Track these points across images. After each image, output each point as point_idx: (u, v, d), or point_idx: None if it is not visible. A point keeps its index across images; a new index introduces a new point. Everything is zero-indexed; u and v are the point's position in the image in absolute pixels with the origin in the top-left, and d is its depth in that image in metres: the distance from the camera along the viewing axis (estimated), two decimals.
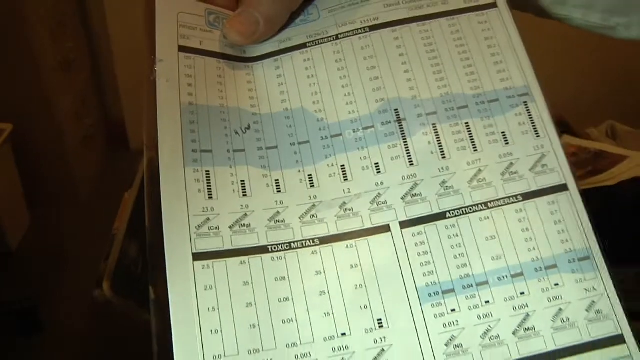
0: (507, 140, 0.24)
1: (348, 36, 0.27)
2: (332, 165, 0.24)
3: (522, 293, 0.22)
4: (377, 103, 0.25)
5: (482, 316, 0.21)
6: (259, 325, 0.21)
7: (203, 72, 0.25)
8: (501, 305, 0.22)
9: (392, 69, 0.26)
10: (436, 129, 0.24)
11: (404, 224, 0.23)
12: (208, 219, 0.22)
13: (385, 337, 0.21)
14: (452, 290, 0.22)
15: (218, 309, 0.21)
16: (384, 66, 0.26)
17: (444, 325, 0.21)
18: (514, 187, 0.23)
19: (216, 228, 0.22)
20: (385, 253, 0.22)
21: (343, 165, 0.24)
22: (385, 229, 0.23)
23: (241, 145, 0.24)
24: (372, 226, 0.23)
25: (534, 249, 0.22)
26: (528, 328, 0.21)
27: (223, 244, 0.22)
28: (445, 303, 0.22)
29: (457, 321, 0.21)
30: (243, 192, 0.23)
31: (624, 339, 0.21)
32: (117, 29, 1.30)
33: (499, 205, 0.23)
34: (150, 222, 0.22)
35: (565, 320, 0.21)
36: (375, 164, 0.24)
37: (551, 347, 0.21)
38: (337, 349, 0.21)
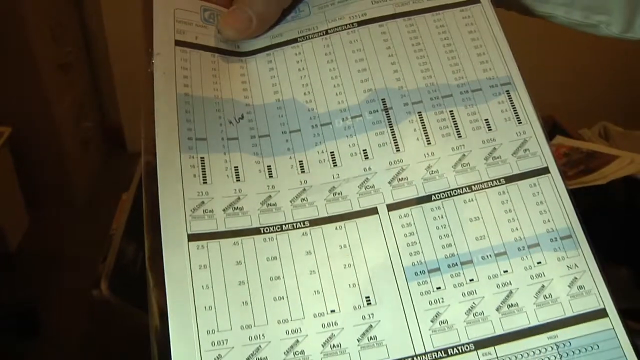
0: (490, 127, 0.25)
1: (337, 31, 0.28)
2: (322, 152, 0.25)
3: (506, 271, 0.23)
4: (365, 93, 0.26)
5: (466, 293, 0.22)
6: (251, 302, 0.22)
7: (198, 65, 0.26)
8: (485, 283, 0.22)
9: (380, 61, 0.27)
10: (421, 117, 0.25)
11: (391, 207, 0.24)
12: (203, 202, 0.23)
13: (373, 314, 0.22)
14: (438, 269, 0.23)
15: (212, 286, 0.22)
16: (372, 59, 0.27)
17: (430, 303, 0.22)
18: (497, 170, 0.24)
19: (210, 211, 0.23)
20: (373, 234, 0.23)
21: (332, 152, 0.25)
22: (373, 211, 0.24)
23: (235, 133, 0.25)
24: (360, 209, 0.24)
25: (517, 229, 0.23)
26: (511, 304, 0.22)
27: (217, 226, 0.23)
28: (430, 281, 0.22)
29: (442, 298, 0.22)
30: (236, 177, 0.24)
31: (606, 312, 0.22)
32: (114, 34, 1.32)
33: (483, 188, 0.24)
34: (147, 214, 0.23)
35: (547, 296, 0.22)
36: (363, 150, 0.25)
37: (534, 323, 0.22)
38: (326, 325, 0.22)
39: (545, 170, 0.24)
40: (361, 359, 0.21)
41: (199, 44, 0.27)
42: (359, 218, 0.24)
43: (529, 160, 0.24)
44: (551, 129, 0.90)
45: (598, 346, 0.21)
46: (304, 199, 0.24)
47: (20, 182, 1.18)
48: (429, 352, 0.21)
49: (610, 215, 0.68)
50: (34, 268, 1.16)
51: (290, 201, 0.24)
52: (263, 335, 0.21)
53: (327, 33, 0.28)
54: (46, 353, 1.02)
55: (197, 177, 0.24)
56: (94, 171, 1.39)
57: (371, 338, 0.22)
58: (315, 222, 0.24)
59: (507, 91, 0.26)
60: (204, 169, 0.24)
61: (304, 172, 0.25)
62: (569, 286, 0.22)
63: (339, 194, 0.24)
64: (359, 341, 0.22)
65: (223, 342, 0.21)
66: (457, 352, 0.21)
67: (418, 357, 0.21)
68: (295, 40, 0.28)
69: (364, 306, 0.22)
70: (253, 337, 0.21)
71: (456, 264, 0.23)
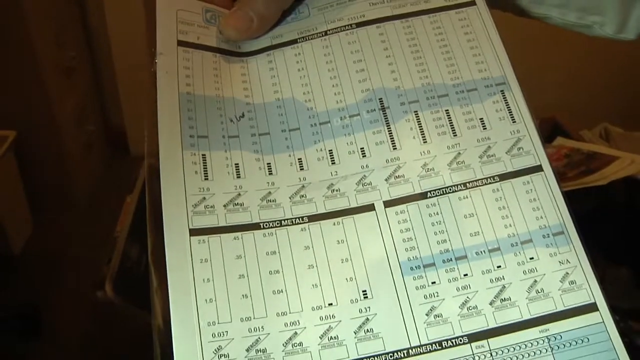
0: (484, 126, 0.26)
1: (336, 32, 0.28)
2: (321, 150, 0.26)
3: (499, 266, 0.23)
4: (362, 93, 0.27)
5: (460, 288, 0.23)
6: (250, 295, 0.22)
7: (200, 64, 0.27)
8: (479, 278, 0.23)
9: (377, 62, 0.27)
10: (418, 116, 0.26)
11: (387, 203, 0.24)
12: (204, 198, 0.24)
13: (369, 307, 0.23)
14: (433, 264, 0.23)
15: (212, 280, 0.22)
16: (370, 59, 0.27)
17: (425, 297, 0.23)
18: (491, 168, 0.25)
19: (211, 206, 0.24)
20: (370, 230, 0.24)
21: (331, 150, 0.26)
22: (370, 208, 0.24)
23: (235, 131, 0.26)
24: (357, 205, 0.24)
25: (510, 225, 0.24)
26: (504, 299, 0.23)
27: (218, 221, 0.24)
28: (426, 276, 0.23)
29: (437, 293, 0.23)
30: (237, 174, 0.25)
31: (597, 306, 0.22)
32: (117, 37, 1.33)
33: (477, 186, 0.24)
34: (150, 211, 0.24)
35: (539, 291, 0.23)
36: (361, 148, 0.26)
37: (526, 316, 0.22)
38: (324, 318, 0.22)
39: (538, 168, 0.25)
40: (358, 351, 0.22)
41: (200, 44, 0.28)
42: (356, 214, 0.24)
43: (522, 158, 0.25)
44: (552, 130, 0.90)
45: (588, 339, 0.22)
46: (302, 196, 0.25)
47: (23, 185, 1.19)
48: (423, 345, 0.22)
49: (611, 215, 0.68)
50: (37, 270, 1.17)
51: (290, 197, 0.25)
52: (262, 327, 0.22)
53: (326, 34, 0.29)
54: (48, 354, 1.02)
55: (198, 173, 0.24)
56: (97, 174, 1.39)
57: (368, 331, 0.22)
58: (313, 218, 0.24)
59: (502, 91, 0.26)
60: (206, 165, 0.25)
61: (302, 169, 0.25)
62: (560, 281, 0.23)
63: (337, 190, 0.25)
64: (355, 333, 0.22)
65: (223, 334, 0.22)
66: (451, 344, 0.22)
67: (413, 350, 0.22)
68: (295, 41, 0.29)
69: (360, 300, 0.23)
70: (253, 329, 0.22)
71: (451, 260, 0.23)
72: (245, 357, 0.21)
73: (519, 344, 0.22)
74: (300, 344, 0.22)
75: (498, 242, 0.23)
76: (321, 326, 0.22)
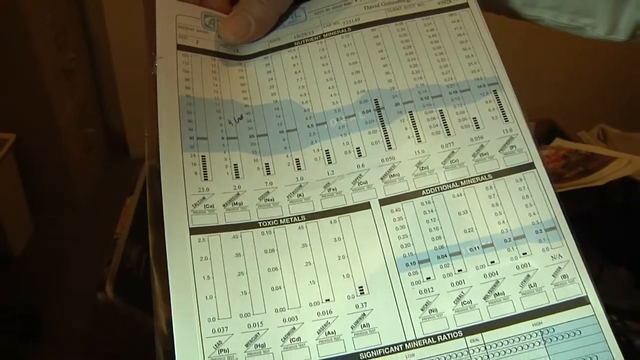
0: (477, 125, 0.26)
1: (332, 35, 0.29)
2: (317, 150, 0.26)
3: (493, 262, 0.24)
4: (358, 94, 0.27)
5: (455, 283, 0.23)
6: (249, 291, 0.23)
7: (199, 68, 0.28)
8: (473, 273, 0.23)
9: (372, 63, 0.28)
10: (412, 116, 0.27)
11: (383, 202, 0.25)
12: (204, 197, 0.24)
13: (366, 303, 0.23)
14: (428, 260, 0.24)
15: (212, 277, 0.23)
16: (365, 61, 0.28)
17: (420, 292, 0.23)
18: (484, 166, 0.25)
19: (211, 206, 0.24)
20: (366, 227, 0.24)
21: (327, 150, 0.26)
22: (366, 206, 0.25)
23: (234, 133, 0.27)
24: (353, 204, 0.25)
25: (503, 222, 0.24)
26: (498, 293, 0.23)
27: (217, 220, 0.24)
28: (421, 272, 0.24)
29: (432, 288, 0.23)
30: (236, 175, 0.25)
31: (589, 300, 0.23)
32: (117, 40, 1.33)
33: (471, 184, 0.25)
34: (151, 210, 0.24)
35: (532, 285, 0.23)
36: (357, 148, 0.26)
37: (520, 310, 0.23)
38: (321, 313, 0.23)
39: (531, 166, 0.25)
40: (355, 345, 0.22)
41: (200, 48, 0.28)
42: (352, 212, 0.25)
43: (515, 156, 0.25)
44: (550, 132, 0.91)
45: (580, 332, 0.22)
46: (300, 195, 0.25)
47: (23, 186, 1.20)
48: (419, 339, 0.22)
49: (609, 216, 0.69)
50: (37, 271, 1.17)
51: (287, 197, 0.25)
52: (261, 322, 0.22)
53: (322, 37, 0.29)
54: (48, 354, 1.02)
55: (198, 174, 0.25)
56: (97, 176, 1.40)
57: (364, 325, 0.23)
58: (311, 217, 0.25)
59: (495, 91, 0.27)
60: (205, 166, 0.25)
61: (300, 169, 0.26)
62: (553, 275, 0.23)
63: (333, 189, 0.25)
64: (352, 328, 0.23)
65: (223, 329, 0.22)
66: (446, 338, 0.22)
67: (409, 344, 0.22)
68: (292, 45, 0.29)
69: (357, 295, 0.23)
70: (252, 325, 0.22)
71: (445, 256, 0.24)
72: (245, 351, 0.22)
73: (513, 338, 0.22)
74: (299, 338, 0.22)
75: (492, 238, 0.24)
76: (319, 321, 0.23)
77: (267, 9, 0.29)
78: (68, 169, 1.26)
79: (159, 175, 0.25)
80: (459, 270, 0.24)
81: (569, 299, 0.23)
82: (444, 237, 0.24)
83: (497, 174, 0.25)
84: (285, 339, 0.22)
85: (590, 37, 0.34)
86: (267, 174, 0.26)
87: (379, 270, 0.24)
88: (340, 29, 0.29)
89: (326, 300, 0.23)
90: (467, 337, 0.22)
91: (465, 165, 0.25)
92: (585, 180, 0.75)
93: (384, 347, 0.22)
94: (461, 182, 0.25)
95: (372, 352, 0.22)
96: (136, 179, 0.80)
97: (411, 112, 0.27)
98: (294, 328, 0.23)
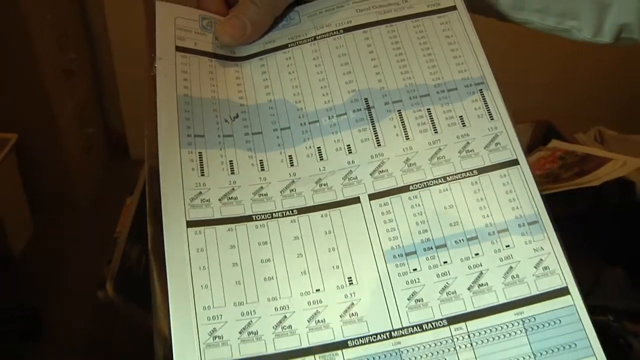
0: (464, 123, 0.27)
1: (324, 37, 0.30)
2: (310, 147, 0.27)
3: (477, 254, 0.25)
4: (349, 94, 0.28)
5: (440, 274, 0.24)
6: (243, 281, 0.24)
7: (197, 68, 0.29)
8: (458, 265, 0.24)
9: (363, 64, 0.29)
10: (401, 115, 0.28)
11: (372, 196, 0.26)
12: (200, 192, 0.25)
13: (354, 293, 0.24)
14: (414, 252, 0.25)
15: (208, 267, 0.24)
16: (356, 62, 0.29)
17: (407, 283, 0.24)
18: (470, 163, 0.26)
19: (207, 200, 0.25)
20: (356, 221, 0.25)
21: (319, 147, 0.27)
22: (356, 200, 0.26)
23: (230, 131, 0.28)
24: (344, 198, 0.26)
25: (488, 215, 0.25)
26: (481, 284, 0.24)
27: (213, 214, 0.25)
28: (408, 263, 0.25)
29: (418, 279, 0.24)
30: (231, 170, 0.26)
31: (569, 290, 0.24)
32: (118, 41, 1.34)
33: (457, 179, 0.26)
34: (150, 206, 0.25)
35: (515, 276, 0.24)
36: (347, 145, 0.27)
37: (502, 300, 0.24)
38: (312, 303, 0.24)
39: (515, 162, 0.26)
40: (343, 333, 0.23)
41: (197, 50, 0.29)
42: (343, 207, 0.26)
43: (499, 153, 0.26)
44: (547, 133, 0.92)
45: (560, 321, 0.23)
46: (292, 190, 0.26)
47: (24, 186, 1.20)
48: (405, 327, 0.23)
49: (605, 216, 0.69)
50: (37, 271, 1.18)
51: (280, 192, 0.26)
52: (254, 311, 0.23)
53: (315, 39, 0.30)
54: (48, 354, 1.03)
55: (195, 170, 0.26)
56: (97, 176, 1.41)
57: (353, 314, 0.24)
58: (302, 211, 0.26)
59: (481, 90, 0.28)
60: (202, 162, 0.26)
61: (293, 165, 0.27)
62: (534, 267, 0.24)
63: (324, 185, 0.26)
64: (341, 317, 0.24)
65: (218, 317, 0.23)
66: (431, 327, 0.23)
67: (395, 332, 0.23)
68: (286, 46, 0.30)
69: (346, 286, 0.24)
70: (245, 313, 0.23)
71: (431, 248, 0.25)
72: (238, 338, 0.23)
73: (495, 326, 0.23)
74: (290, 326, 0.23)
75: (476, 231, 0.25)
76: (309, 310, 0.24)
77: (262, 12, 0.30)
78: (68, 168, 1.27)
79: (157, 175, 0.26)
80: (444, 262, 0.25)
81: (550, 289, 0.24)
82: (430, 230, 0.25)
83: (482, 170, 0.26)
84: (277, 326, 0.23)
85: (578, 40, 0.35)
86: (262, 170, 0.27)
87: (368, 262, 0.25)
88: (333, 31, 0.30)
89: (316, 290, 0.24)
90: (451, 326, 0.23)
91: (452, 161, 0.26)
92: (581, 180, 0.76)
93: (371, 335, 0.23)
94: (447, 177, 0.26)
95: (359, 339, 0.23)
96: (136, 179, 0.81)
97: (400, 110, 0.28)
98: (285, 316, 0.24)
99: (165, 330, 0.23)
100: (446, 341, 0.23)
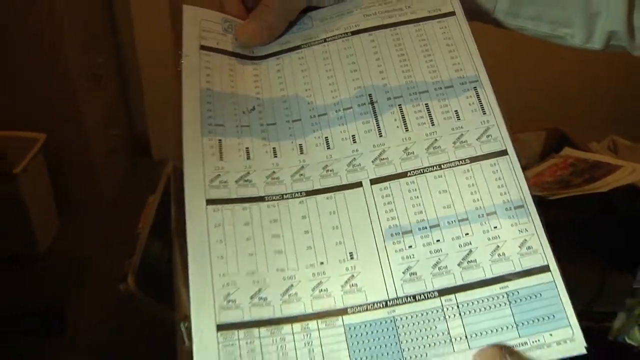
0: (459, 117, 0.30)
1: (334, 39, 0.33)
2: (318, 137, 0.30)
3: (467, 234, 0.27)
4: (355, 90, 0.31)
5: (433, 251, 0.27)
6: (255, 254, 0.27)
7: (219, 66, 0.32)
8: (449, 243, 0.27)
9: (368, 64, 0.32)
10: (401, 109, 0.30)
11: (373, 181, 0.29)
12: (219, 175, 0.29)
13: (355, 266, 0.27)
14: (410, 231, 0.27)
15: (225, 241, 0.27)
16: (362, 62, 0.32)
17: (402, 258, 0.27)
18: (463, 152, 0.29)
19: (225, 182, 0.28)
20: (358, 203, 0.28)
21: (327, 137, 0.30)
22: (358, 184, 0.29)
23: (247, 121, 0.31)
24: (347, 183, 0.29)
25: (478, 199, 0.28)
26: (470, 261, 0.27)
27: (230, 194, 0.28)
28: (404, 241, 0.27)
29: (413, 255, 0.27)
30: (247, 156, 0.30)
31: (549, 268, 0.26)
32: (144, 46, 1.39)
33: (451, 167, 0.29)
34: (174, 192, 0.28)
35: (501, 254, 0.27)
36: (352, 135, 0.30)
37: (489, 275, 0.26)
38: (316, 274, 0.27)
39: (504, 153, 0.29)
40: (344, 301, 0.26)
41: (219, 49, 0.33)
42: (346, 190, 0.29)
43: (490, 144, 0.29)
44: (560, 141, 0.93)
45: (541, 294, 0.26)
46: (301, 174, 0.29)
47: (51, 185, 1.24)
48: (400, 297, 0.26)
49: (612, 222, 0.71)
50: (62, 269, 1.21)
51: (291, 176, 0.29)
52: (264, 279, 0.26)
53: (325, 41, 0.33)
54: (71, 350, 1.06)
55: (215, 155, 0.29)
56: (121, 178, 1.45)
57: (352, 285, 0.26)
58: (310, 193, 0.29)
59: (475, 87, 0.30)
60: (221, 148, 0.29)
61: (302, 153, 0.30)
62: (519, 246, 0.27)
63: (330, 170, 0.29)
64: (342, 287, 0.26)
65: (232, 284, 0.26)
66: (424, 297, 0.26)
67: (390, 301, 0.26)
68: (299, 47, 0.33)
69: (347, 260, 0.27)
70: (256, 281, 0.26)
71: (426, 227, 0.27)
72: (249, 303, 0.26)
73: (482, 299, 0.26)
74: (296, 294, 0.26)
75: (467, 214, 0.28)
76: (313, 280, 0.26)
77: (278, 17, 0.33)
78: (94, 169, 1.32)
79: (181, 174, 0.29)
80: (437, 240, 0.27)
81: (532, 267, 0.26)
82: (425, 212, 0.28)
83: (474, 159, 0.29)
84: (284, 294, 0.26)
85: (570, 46, 0.37)
86: (274, 156, 0.30)
87: (367, 239, 0.27)
88: (342, 34, 0.33)
89: (320, 263, 0.27)
90: (442, 297, 0.26)
91: (447, 151, 0.29)
92: (591, 187, 0.77)
93: (369, 304, 0.26)
94: (442, 165, 0.29)
95: (358, 307, 0.26)
96: (158, 180, 0.84)
97: (400, 105, 0.30)
98: (292, 285, 0.26)
99: (185, 298, 0.26)
100: (437, 310, 0.26)
